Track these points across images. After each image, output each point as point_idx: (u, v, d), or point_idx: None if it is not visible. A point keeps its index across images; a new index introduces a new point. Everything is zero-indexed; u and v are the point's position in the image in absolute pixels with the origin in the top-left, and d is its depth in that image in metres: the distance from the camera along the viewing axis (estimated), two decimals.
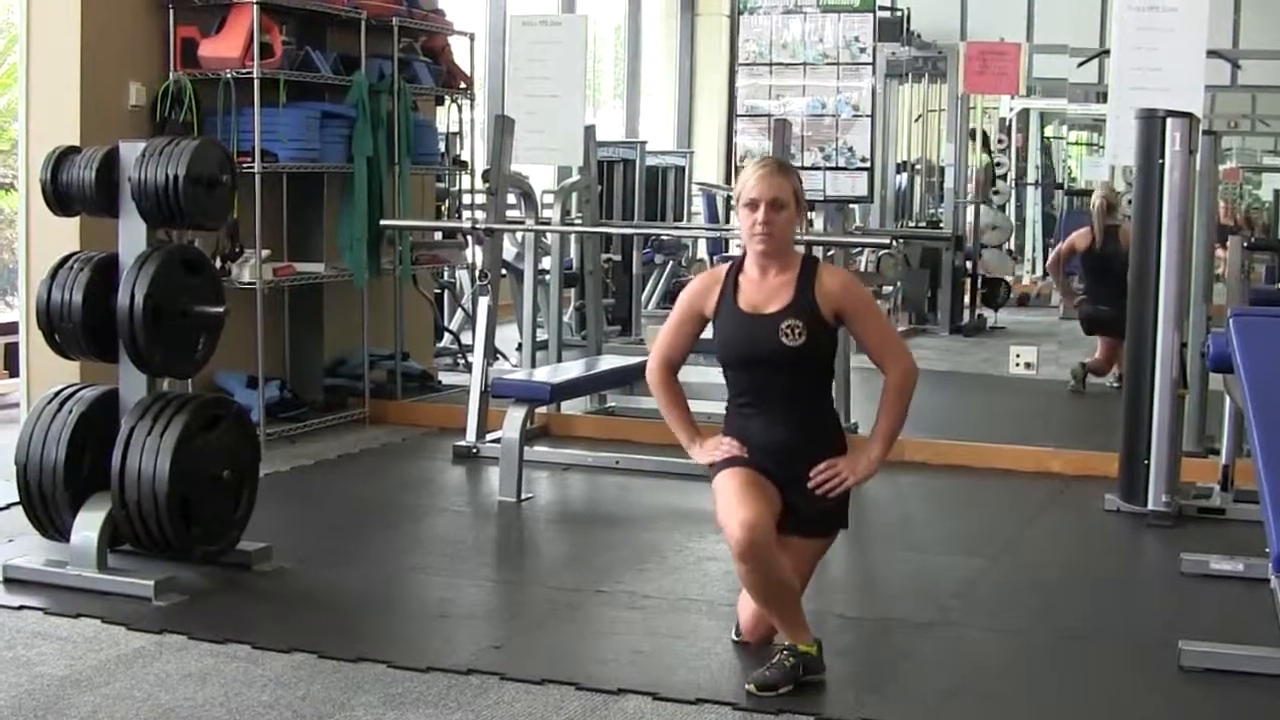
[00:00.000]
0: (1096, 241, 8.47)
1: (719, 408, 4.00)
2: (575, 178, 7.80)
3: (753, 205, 3.68)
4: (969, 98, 11.69)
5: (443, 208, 8.74)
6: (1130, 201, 6.38)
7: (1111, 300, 8.30)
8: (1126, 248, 8.23)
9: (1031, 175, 13.83)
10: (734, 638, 3.98)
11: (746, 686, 3.60)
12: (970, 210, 11.43)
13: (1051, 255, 9.05)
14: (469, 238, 7.52)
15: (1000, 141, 12.12)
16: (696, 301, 3.83)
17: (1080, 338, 8.66)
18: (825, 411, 3.84)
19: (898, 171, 12.57)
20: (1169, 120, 5.45)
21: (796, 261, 3.74)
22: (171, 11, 6.35)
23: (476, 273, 6.84)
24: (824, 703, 3.58)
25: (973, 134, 12.28)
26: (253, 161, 6.32)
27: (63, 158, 4.50)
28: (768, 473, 3.70)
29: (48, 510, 4.42)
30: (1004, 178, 11.54)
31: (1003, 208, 11.43)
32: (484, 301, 6.51)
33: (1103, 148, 10.06)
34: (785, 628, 3.68)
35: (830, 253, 6.85)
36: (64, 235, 5.46)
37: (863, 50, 6.51)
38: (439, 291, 9.14)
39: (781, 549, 3.65)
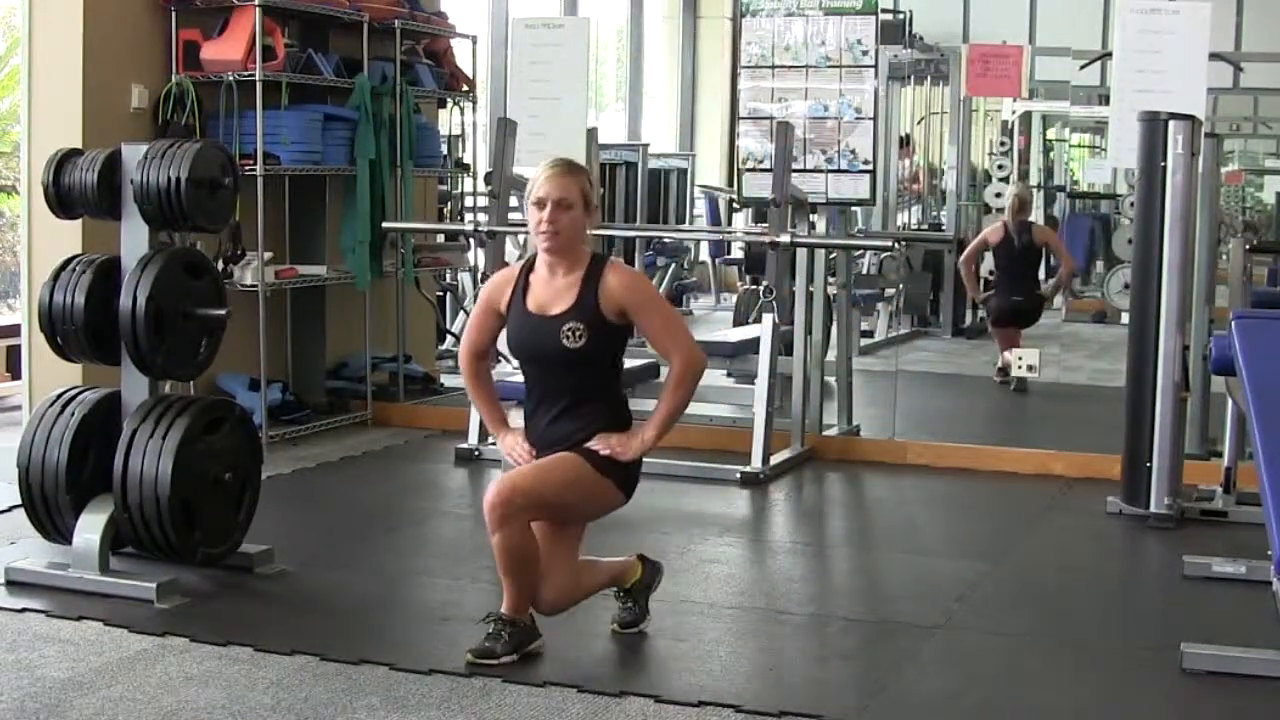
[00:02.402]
0: (1012, 237, 8.86)
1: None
2: None
3: (540, 204, 3.79)
4: (971, 100, 11.69)
5: (445, 210, 8.75)
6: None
7: (1023, 292, 8.82)
8: (1037, 243, 8.91)
9: (1034, 178, 13.82)
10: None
11: (466, 657, 3.75)
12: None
13: (966, 250, 9.29)
14: (471, 240, 7.52)
15: (1003, 144, 12.11)
16: (492, 297, 3.96)
17: (1084, 338, 8.68)
18: (610, 408, 3.90)
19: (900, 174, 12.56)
20: (1171, 123, 5.45)
21: (584, 261, 3.84)
22: (173, 14, 6.35)
23: (479, 275, 6.84)
24: (828, 705, 3.58)
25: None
26: (255, 164, 6.32)
27: (65, 160, 4.51)
28: None
29: (50, 513, 4.43)
30: (1006, 180, 11.53)
31: (1004, 210, 11.43)
32: None
33: (1105, 150, 10.07)
34: (510, 598, 3.84)
35: (832, 256, 6.87)
36: (66, 238, 5.47)
37: (865, 53, 6.50)
38: (441, 294, 9.14)
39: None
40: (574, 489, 3.83)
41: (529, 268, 3.89)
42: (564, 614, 4.28)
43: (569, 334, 3.76)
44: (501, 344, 4.04)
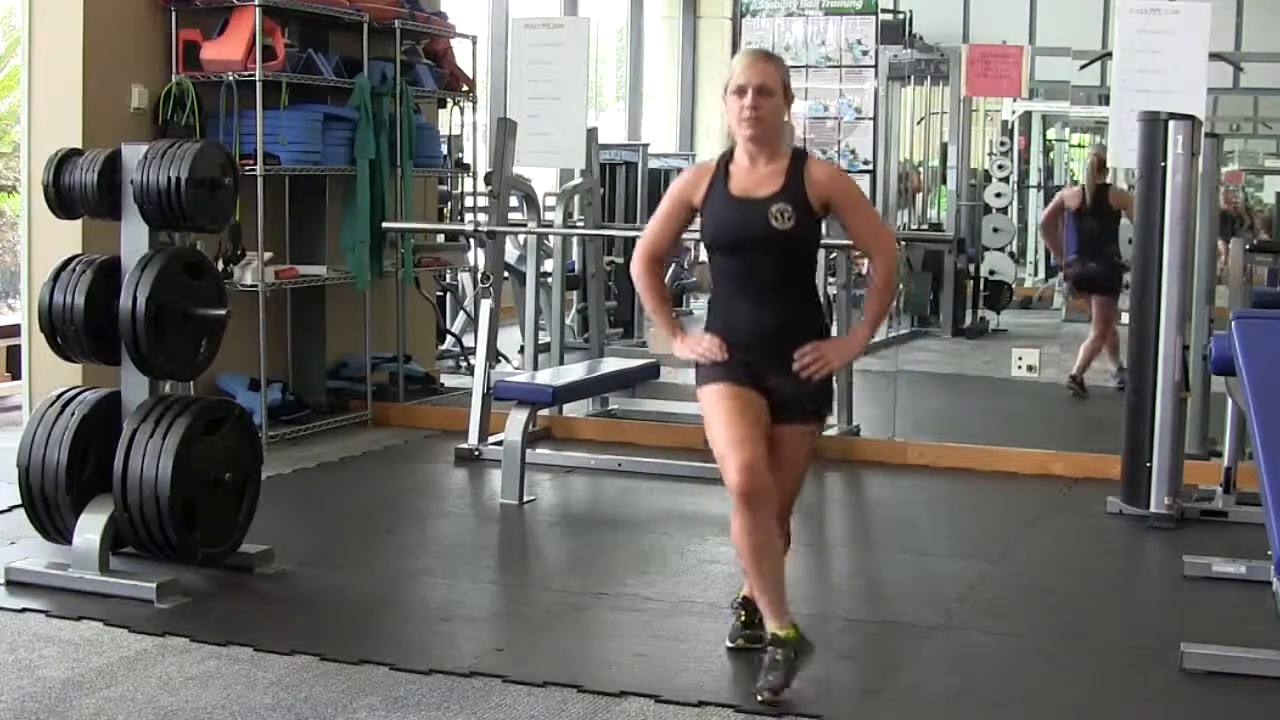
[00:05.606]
0: (1087, 200, 8.48)
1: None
2: (577, 180, 7.81)
3: (740, 91, 3.67)
4: (971, 100, 11.71)
5: (445, 210, 8.75)
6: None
7: (1102, 258, 8.38)
8: (1116, 207, 8.31)
9: (1034, 178, 13.83)
10: (729, 643, 3.98)
11: (760, 698, 3.57)
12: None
13: (1043, 215, 9.09)
14: (471, 240, 7.52)
15: (1003, 144, 12.12)
16: (686, 191, 3.81)
17: (1084, 338, 8.65)
18: (809, 297, 3.83)
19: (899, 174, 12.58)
20: (1171, 123, 5.44)
21: (786, 152, 3.75)
22: (173, 14, 6.35)
23: (479, 275, 6.84)
24: (828, 705, 3.58)
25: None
26: (255, 164, 6.32)
27: (65, 160, 4.51)
28: (749, 369, 3.69)
29: (50, 513, 4.43)
30: (1006, 180, 11.55)
31: (1005, 210, 11.44)
32: (486, 304, 6.51)
33: (1105, 150, 10.08)
34: (767, 602, 3.68)
35: (832, 255, 6.87)
36: (66, 238, 5.46)
37: (865, 53, 6.52)
38: (441, 294, 9.14)
39: (770, 443, 3.68)
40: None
41: (727, 159, 3.77)
42: (564, 614, 4.28)
43: (777, 215, 3.65)
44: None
